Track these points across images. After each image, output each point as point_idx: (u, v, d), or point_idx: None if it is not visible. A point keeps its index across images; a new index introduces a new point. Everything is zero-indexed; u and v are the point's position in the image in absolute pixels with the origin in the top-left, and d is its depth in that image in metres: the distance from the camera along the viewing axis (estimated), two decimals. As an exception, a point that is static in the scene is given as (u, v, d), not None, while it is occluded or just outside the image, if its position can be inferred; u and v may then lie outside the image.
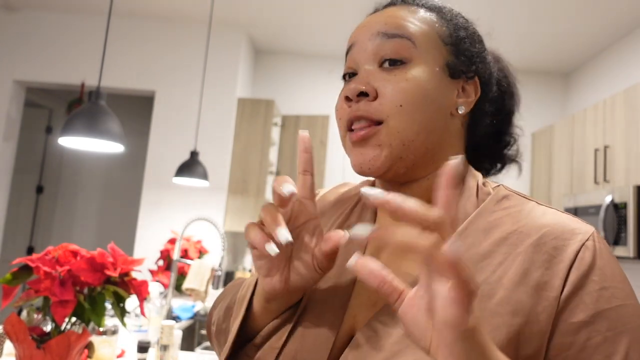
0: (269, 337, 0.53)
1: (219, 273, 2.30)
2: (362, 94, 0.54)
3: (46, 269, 1.15)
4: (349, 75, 0.58)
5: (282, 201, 0.47)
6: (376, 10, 0.60)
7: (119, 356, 1.70)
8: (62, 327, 1.19)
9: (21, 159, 4.25)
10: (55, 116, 4.74)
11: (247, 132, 3.72)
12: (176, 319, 2.45)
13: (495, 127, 0.65)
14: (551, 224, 0.50)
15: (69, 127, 1.60)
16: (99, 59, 3.69)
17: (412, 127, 0.52)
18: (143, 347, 1.56)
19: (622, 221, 2.70)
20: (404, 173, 0.55)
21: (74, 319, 1.20)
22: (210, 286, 2.58)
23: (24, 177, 4.48)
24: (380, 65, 0.55)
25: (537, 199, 0.56)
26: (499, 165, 0.68)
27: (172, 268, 2.32)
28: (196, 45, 3.80)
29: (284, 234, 0.45)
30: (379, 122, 0.53)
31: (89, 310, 1.19)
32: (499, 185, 0.58)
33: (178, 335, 1.65)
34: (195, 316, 2.58)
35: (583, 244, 0.48)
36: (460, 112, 0.57)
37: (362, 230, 0.36)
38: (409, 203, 0.35)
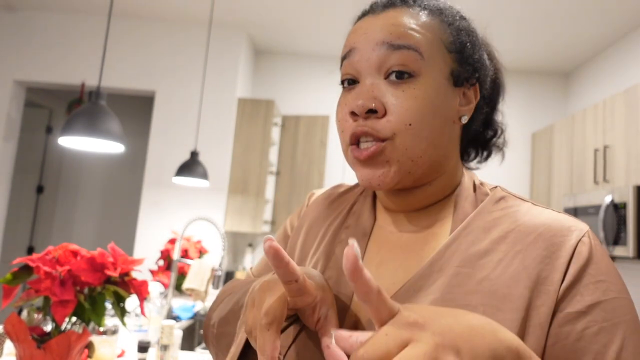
0: None
1: (219, 273, 2.30)
2: (370, 111, 0.52)
3: (46, 269, 1.16)
4: (349, 82, 0.56)
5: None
6: (373, 10, 0.57)
7: (119, 356, 1.70)
8: (63, 327, 1.19)
9: (21, 159, 4.26)
10: (55, 116, 4.74)
11: (247, 132, 3.72)
12: (176, 318, 2.45)
13: (484, 117, 0.64)
14: (548, 223, 0.52)
15: (69, 127, 1.60)
16: (99, 59, 3.71)
17: (419, 145, 0.52)
18: (143, 347, 1.56)
19: (621, 221, 2.70)
20: (410, 184, 0.56)
21: (74, 318, 1.20)
22: (210, 286, 2.58)
23: (24, 177, 4.48)
24: (386, 77, 0.53)
25: (536, 199, 0.57)
26: (485, 154, 0.67)
27: (172, 268, 2.32)
28: (196, 46, 3.80)
29: None
30: (384, 139, 0.52)
31: (89, 310, 1.19)
32: (496, 187, 0.59)
33: (178, 335, 1.65)
34: (195, 316, 2.59)
35: (580, 240, 0.50)
36: (463, 122, 0.57)
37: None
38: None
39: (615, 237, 2.73)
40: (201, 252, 3.06)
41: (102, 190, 4.80)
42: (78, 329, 1.20)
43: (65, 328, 1.19)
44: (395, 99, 0.52)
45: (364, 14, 0.58)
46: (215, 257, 3.23)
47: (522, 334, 0.46)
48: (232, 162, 3.70)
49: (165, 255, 2.88)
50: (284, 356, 0.52)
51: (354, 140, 0.54)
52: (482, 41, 0.61)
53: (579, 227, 0.51)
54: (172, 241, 2.93)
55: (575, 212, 3.18)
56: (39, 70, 3.80)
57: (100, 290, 1.23)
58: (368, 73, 0.54)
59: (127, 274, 1.26)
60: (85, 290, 1.21)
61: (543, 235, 0.51)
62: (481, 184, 0.60)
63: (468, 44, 0.57)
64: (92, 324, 1.21)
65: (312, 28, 3.80)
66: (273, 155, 3.85)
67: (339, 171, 4.11)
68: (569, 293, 0.47)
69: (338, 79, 0.59)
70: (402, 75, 0.52)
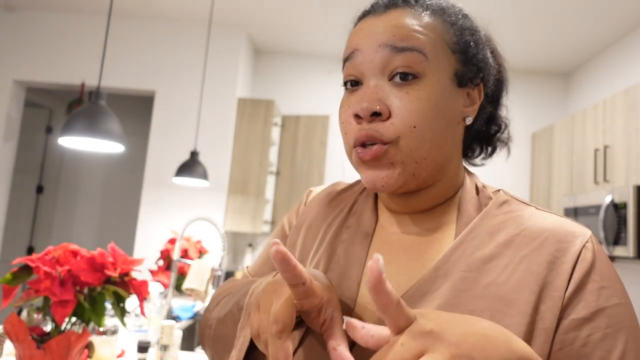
0: None
1: (219, 273, 2.30)
2: (375, 114, 0.52)
3: (46, 269, 1.15)
4: (352, 83, 0.55)
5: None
6: (374, 11, 0.56)
7: (119, 356, 1.70)
8: (62, 327, 1.19)
9: (21, 159, 4.26)
10: (55, 116, 4.74)
11: (247, 132, 3.72)
12: (176, 319, 2.45)
13: (488, 113, 0.63)
14: (552, 228, 0.52)
15: (69, 127, 1.60)
16: (99, 59, 3.71)
17: (423, 147, 0.52)
18: (143, 347, 1.56)
19: (622, 221, 2.70)
20: (414, 187, 0.56)
21: (74, 319, 1.20)
22: (210, 286, 2.58)
23: (24, 177, 4.49)
24: (390, 78, 0.53)
25: (536, 199, 0.57)
26: (489, 149, 0.67)
27: (172, 268, 2.32)
28: (196, 46, 3.80)
29: None
30: (388, 142, 0.52)
31: (89, 310, 1.19)
32: (498, 190, 0.59)
33: (178, 335, 1.65)
34: (195, 316, 2.59)
35: (584, 245, 0.50)
36: (467, 123, 0.57)
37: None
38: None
39: (616, 237, 2.73)
40: (201, 252, 3.05)
41: (102, 190, 4.80)
42: (78, 329, 1.20)
43: (65, 328, 1.19)
44: (400, 100, 0.52)
45: (365, 14, 0.58)
46: (215, 257, 3.23)
47: (528, 338, 0.47)
48: (232, 162, 3.70)
49: (165, 256, 2.88)
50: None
51: (358, 143, 0.54)
52: (485, 38, 0.61)
53: (582, 232, 0.52)
54: (172, 241, 2.93)
55: (575, 212, 3.18)
56: (38, 70, 3.80)
57: (100, 291, 1.23)
58: (372, 74, 0.53)
59: (127, 274, 1.26)
60: (85, 291, 1.21)
61: (548, 240, 0.51)
62: (484, 186, 0.60)
63: (472, 44, 0.56)
64: (92, 324, 1.21)
65: (312, 28, 3.80)
66: (273, 155, 3.85)
67: (339, 171, 4.12)
68: (573, 299, 0.48)
69: (338, 78, 0.59)
70: (407, 77, 0.52)
